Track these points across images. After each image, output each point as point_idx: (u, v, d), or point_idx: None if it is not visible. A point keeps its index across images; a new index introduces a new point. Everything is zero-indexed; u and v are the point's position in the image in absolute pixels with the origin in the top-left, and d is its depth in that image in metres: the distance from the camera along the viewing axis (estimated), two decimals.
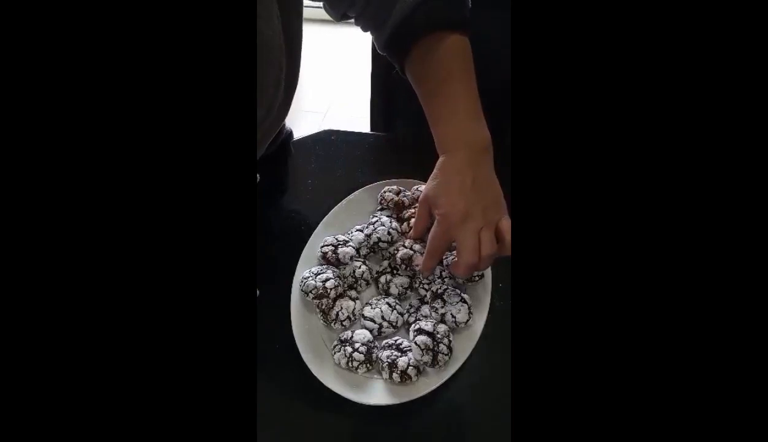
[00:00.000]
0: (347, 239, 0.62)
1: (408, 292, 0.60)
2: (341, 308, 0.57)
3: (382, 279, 0.61)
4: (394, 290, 0.60)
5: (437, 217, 0.55)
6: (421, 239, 0.60)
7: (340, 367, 0.55)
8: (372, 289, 0.62)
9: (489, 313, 0.57)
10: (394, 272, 0.61)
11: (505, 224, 0.53)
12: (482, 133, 0.57)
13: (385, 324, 0.56)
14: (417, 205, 0.65)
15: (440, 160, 0.57)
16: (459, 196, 0.54)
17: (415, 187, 0.67)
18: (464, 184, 0.54)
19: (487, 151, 0.57)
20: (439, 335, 0.53)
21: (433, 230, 0.56)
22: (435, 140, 0.58)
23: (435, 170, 0.57)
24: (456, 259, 0.55)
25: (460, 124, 0.57)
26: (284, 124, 0.80)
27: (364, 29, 0.64)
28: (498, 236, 0.54)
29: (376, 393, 0.53)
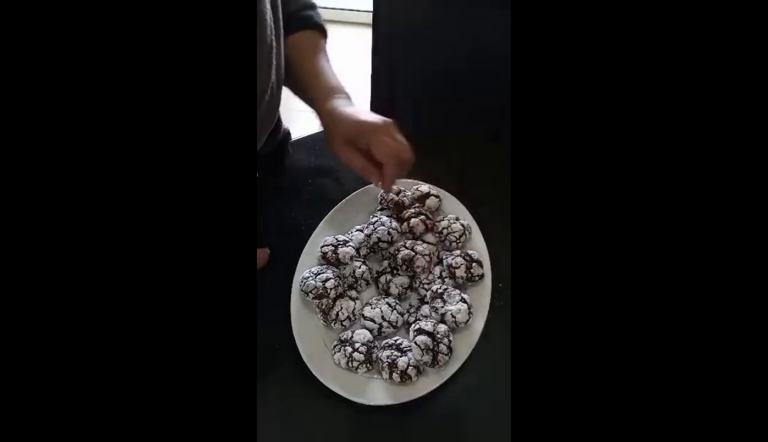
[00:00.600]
0: (347, 239, 0.62)
1: (408, 292, 0.60)
2: (341, 308, 0.57)
3: (382, 279, 0.61)
4: (394, 290, 0.60)
5: (371, 137, 0.59)
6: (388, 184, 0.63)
7: (340, 367, 0.55)
8: (372, 289, 0.62)
9: (489, 313, 0.57)
10: (394, 272, 0.61)
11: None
12: (346, 90, 0.67)
13: (385, 324, 0.56)
14: (417, 205, 0.65)
15: (329, 104, 0.63)
16: (374, 116, 0.60)
17: (415, 187, 0.68)
18: (363, 109, 0.62)
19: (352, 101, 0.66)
20: (439, 335, 0.53)
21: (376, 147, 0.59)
22: (316, 92, 0.67)
23: (330, 114, 0.63)
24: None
25: (331, 80, 0.67)
26: (282, 124, 0.80)
27: None
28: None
29: (376, 393, 0.53)
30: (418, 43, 0.88)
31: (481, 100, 0.87)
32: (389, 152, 0.58)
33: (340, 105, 0.63)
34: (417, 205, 0.65)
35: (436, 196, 0.66)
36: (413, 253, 0.60)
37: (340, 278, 0.59)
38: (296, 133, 0.83)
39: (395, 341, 0.55)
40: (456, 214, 0.64)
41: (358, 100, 0.71)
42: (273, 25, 0.59)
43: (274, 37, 0.59)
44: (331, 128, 0.62)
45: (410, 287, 0.60)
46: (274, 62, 0.59)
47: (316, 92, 0.66)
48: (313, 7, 0.75)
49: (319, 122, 0.66)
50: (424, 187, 0.67)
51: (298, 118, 0.86)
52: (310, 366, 0.54)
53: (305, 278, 0.59)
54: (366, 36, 0.93)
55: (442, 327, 0.54)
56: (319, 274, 0.59)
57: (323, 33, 0.74)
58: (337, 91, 0.66)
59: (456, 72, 0.88)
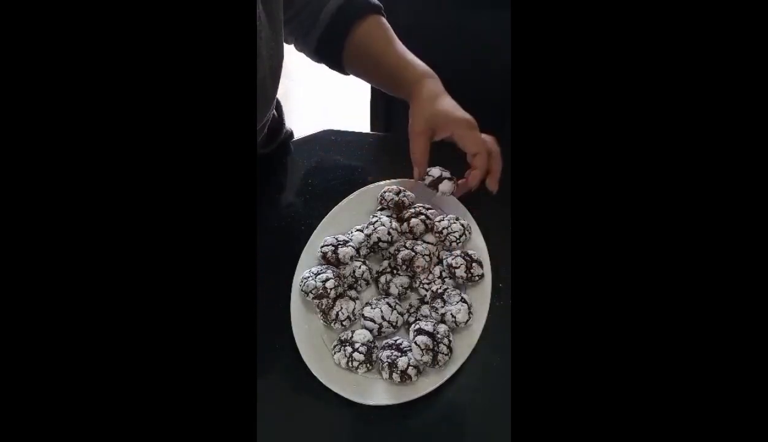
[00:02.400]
0: (347, 239, 0.62)
1: (408, 292, 0.60)
2: (341, 308, 0.57)
3: (382, 279, 0.60)
4: (394, 290, 0.60)
5: (456, 132, 0.59)
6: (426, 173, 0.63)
7: (340, 367, 0.55)
8: (372, 289, 0.62)
9: (489, 313, 0.57)
10: (394, 272, 0.61)
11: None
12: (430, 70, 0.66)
13: (385, 324, 0.56)
14: (417, 205, 0.65)
15: (424, 84, 0.63)
16: (463, 111, 0.61)
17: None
18: (452, 101, 0.62)
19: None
20: (439, 335, 0.53)
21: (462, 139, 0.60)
22: (407, 71, 0.66)
23: (425, 93, 0.62)
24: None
25: (422, 65, 0.66)
26: (284, 124, 0.80)
27: (287, 39, 0.72)
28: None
29: (376, 393, 0.53)
30: (418, 43, 0.88)
31: (481, 100, 0.87)
32: (483, 145, 0.59)
33: (438, 92, 0.63)
34: (417, 205, 0.65)
35: (450, 179, 0.64)
36: (413, 253, 0.60)
37: (340, 278, 0.59)
38: (298, 133, 0.83)
39: (395, 341, 0.55)
40: (456, 214, 0.64)
41: (358, 100, 0.71)
42: (266, 16, 0.58)
43: (266, 27, 0.58)
44: (417, 111, 0.62)
45: (410, 287, 0.60)
46: (264, 53, 0.59)
47: (408, 76, 0.65)
48: None
49: (409, 104, 0.64)
50: (435, 171, 0.64)
51: (300, 118, 0.86)
52: (310, 366, 0.54)
53: (305, 278, 0.59)
54: None
55: (442, 327, 0.54)
56: (319, 274, 0.59)
57: (381, 12, 0.72)
58: (427, 73, 0.65)
59: (456, 72, 0.87)
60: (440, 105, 0.61)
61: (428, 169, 0.63)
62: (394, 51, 0.68)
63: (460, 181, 0.64)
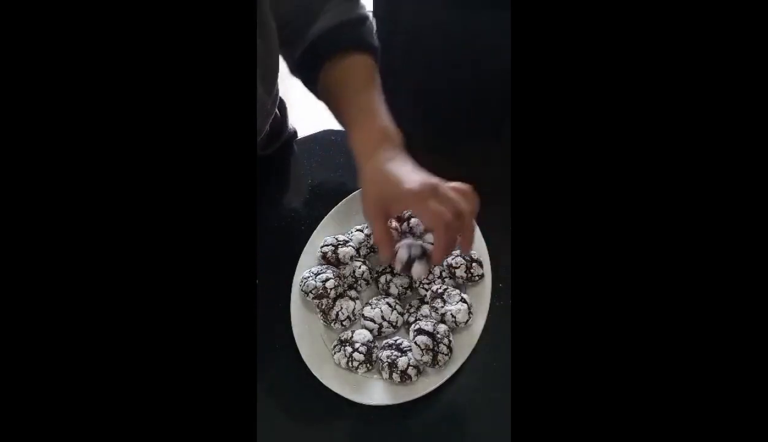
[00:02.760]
0: (347, 239, 0.62)
1: (408, 292, 0.60)
2: (341, 308, 0.57)
3: (382, 279, 0.60)
4: (394, 290, 0.60)
5: (416, 207, 0.52)
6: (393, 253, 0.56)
7: (340, 367, 0.55)
8: (372, 289, 0.62)
9: (489, 313, 0.57)
10: (394, 271, 0.61)
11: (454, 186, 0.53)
12: (397, 132, 0.59)
13: (385, 324, 0.56)
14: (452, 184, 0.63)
15: (371, 159, 0.55)
16: (415, 179, 0.52)
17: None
18: (409, 169, 0.54)
19: (403, 147, 0.58)
20: (439, 335, 0.53)
21: (425, 218, 0.53)
22: (356, 142, 0.58)
23: (369, 171, 0.55)
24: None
25: (382, 125, 0.59)
26: (287, 125, 0.80)
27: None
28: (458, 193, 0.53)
29: (376, 393, 0.53)
30: (418, 43, 0.88)
31: (481, 100, 0.87)
32: (435, 221, 0.50)
33: (385, 162, 0.54)
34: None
35: (422, 258, 0.56)
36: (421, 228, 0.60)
37: (340, 278, 0.59)
38: (302, 132, 0.83)
39: (395, 341, 0.55)
40: None
41: None
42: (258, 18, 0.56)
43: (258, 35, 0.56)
44: (368, 189, 0.55)
45: (410, 287, 0.60)
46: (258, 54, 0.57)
47: (363, 142, 0.57)
48: (365, 20, 0.64)
49: (358, 176, 0.57)
50: (403, 253, 0.56)
51: (300, 118, 0.86)
52: (310, 366, 0.54)
53: (305, 278, 0.59)
54: None
55: (442, 327, 0.54)
56: (319, 274, 0.59)
57: (375, 55, 0.65)
58: (386, 141, 0.57)
59: (456, 72, 0.88)
60: (388, 181, 0.53)
61: (397, 248, 0.56)
62: (363, 101, 0.60)
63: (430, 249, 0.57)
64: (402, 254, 0.55)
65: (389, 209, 0.53)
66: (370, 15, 0.65)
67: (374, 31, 0.66)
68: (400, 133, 0.58)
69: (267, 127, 0.70)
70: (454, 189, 0.53)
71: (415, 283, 0.60)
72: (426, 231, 0.62)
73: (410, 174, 0.53)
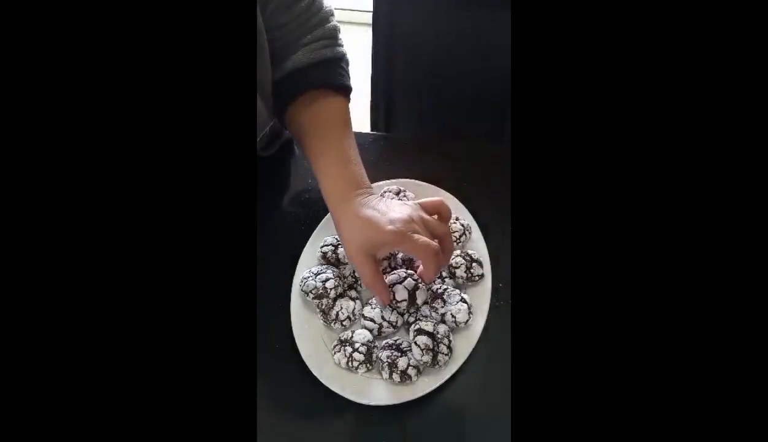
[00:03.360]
0: None
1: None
2: (341, 308, 0.57)
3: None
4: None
5: (402, 244, 0.52)
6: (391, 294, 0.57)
7: (340, 367, 0.55)
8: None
9: (489, 313, 0.57)
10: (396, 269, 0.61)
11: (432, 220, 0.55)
12: (366, 178, 0.59)
13: (385, 324, 0.56)
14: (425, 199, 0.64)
15: (345, 207, 0.56)
16: (393, 218, 0.53)
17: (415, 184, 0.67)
18: (383, 209, 0.54)
19: (373, 192, 0.58)
20: (439, 335, 0.53)
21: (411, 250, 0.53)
22: (327, 188, 0.58)
23: (346, 220, 0.55)
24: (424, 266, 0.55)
25: (353, 170, 0.59)
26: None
27: None
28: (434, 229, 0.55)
29: (376, 393, 0.53)
30: (418, 43, 0.88)
31: (482, 100, 0.87)
32: (421, 253, 0.52)
33: (361, 208, 0.54)
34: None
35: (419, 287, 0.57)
36: None
37: (340, 278, 0.59)
38: None
39: (395, 341, 0.55)
40: (456, 214, 0.64)
41: (358, 100, 0.70)
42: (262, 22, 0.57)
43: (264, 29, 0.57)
44: (350, 237, 0.55)
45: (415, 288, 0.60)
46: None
47: (334, 189, 0.57)
48: (341, 59, 0.64)
49: (335, 225, 0.58)
50: (401, 293, 0.57)
51: None
52: (310, 366, 0.54)
53: (305, 278, 0.59)
54: (366, 36, 0.93)
55: (442, 327, 0.54)
56: (319, 274, 0.59)
57: (348, 95, 0.64)
58: (358, 186, 0.57)
59: (456, 72, 0.88)
60: (369, 227, 0.53)
61: (393, 290, 0.57)
62: (332, 146, 0.60)
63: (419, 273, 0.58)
64: (401, 294, 0.56)
65: (375, 252, 0.54)
66: (346, 55, 0.65)
67: (349, 71, 0.65)
68: (367, 180, 0.59)
69: (266, 129, 0.69)
70: (425, 207, 0.56)
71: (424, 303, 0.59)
72: (395, 253, 0.61)
73: (387, 214, 0.53)
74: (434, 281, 0.59)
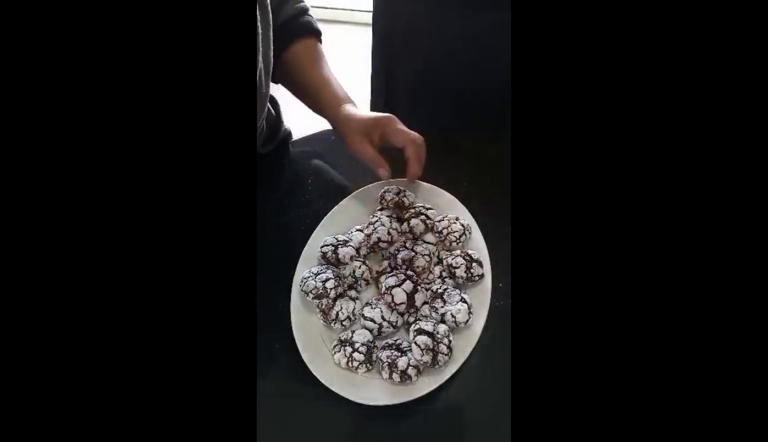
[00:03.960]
0: (347, 239, 0.62)
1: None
2: (341, 308, 0.57)
3: (382, 279, 0.60)
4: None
5: (391, 131, 0.65)
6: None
7: (340, 367, 0.55)
8: (372, 289, 0.62)
9: (489, 313, 0.57)
10: (394, 271, 0.61)
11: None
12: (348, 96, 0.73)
13: (385, 324, 0.56)
14: (417, 205, 0.65)
15: (342, 110, 0.69)
16: (377, 115, 0.67)
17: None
18: (369, 113, 0.68)
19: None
20: (439, 335, 0.53)
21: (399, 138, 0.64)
22: (323, 105, 0.72)
23: (344, 115, 0.68)
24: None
25: (340, 89, 0.73)
26: (282, 124, 0.80)
27: None
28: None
29: (376, 393, 0.53)
30: (418, 42, 0.88)
31: (481, 100, 0.87)
32: (408, 137, 0.64)
33: (351, 109, 0.69)
34: (417, 205, 0.65)
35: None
36: (413, 253, 0.60)
37: (340, 278, 0.59)
38: (297, 133, 0.83)
39: (395, 341, 0.55)
40: (456, 214, 0.64)
41: (358, 100, 0.72)
42: (259, 13, 0.59)
43: (260, 24, 0.59)
44: (348, 128, 0.67)
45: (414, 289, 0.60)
46: (261, 48, 0.60)
47: (327, 101, 0.71)
48: (307, 11, 0.78)
49: (332, 127, 0.71)
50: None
51: (300, 118, 0.86)
52: (310, 366, 0.54)
53: (305, 278, 0.59)
54: (366, 36, 0.93)
55: (442, 327, 0.54)
56: (319, 274, 0.59)
57: (319, 38, 0.79)
58: (345, 99, 0.71)
59: (455, 72, 0.88)
60: (362, 117, 0.67)
61: (392, 292, 0.57)
62: (317, 75, 0.74)
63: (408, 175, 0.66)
64: (400, 297, 0.57)
65: (370, 135, 0.65)
66: (309, 7, 0.78)
67: (314, 19, 0.79)
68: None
69: (264, 123, 0.71)
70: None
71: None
72: (425, 232, 0.64)
73: (374, 114, 0.68)
74: (433, 281, 0.59)
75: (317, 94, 0.73)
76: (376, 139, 0.66)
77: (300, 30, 0.76)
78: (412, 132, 0.65)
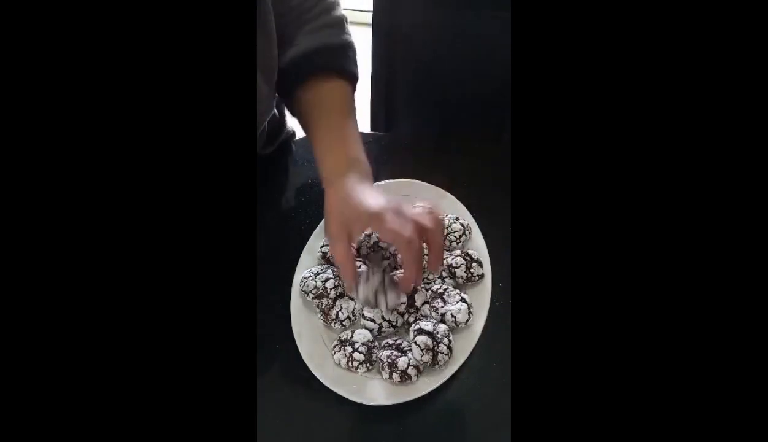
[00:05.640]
0: None
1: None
2: (341, 308, 0.57)
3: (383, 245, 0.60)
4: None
5: (381, 228, 0.51)
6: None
7: (340, 367, 0.55)
8: (377, 277, 0.61)
9: (489, 313, 0.57)
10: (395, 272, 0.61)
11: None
12: (366, 162, 0.59)
13: (385, 324, 0.56)
14: (417, 205, 0.65)
15: (337, 183, 0.56)
16: (377, 200, 0.52)
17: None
18: (374, 194, 0.54)
19: (371, 177, 0.58)
20: (439, 335, 0.53)
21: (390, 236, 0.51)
22: (324, 167, 0.58)
23: (333, 195, 0.55)
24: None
25: (352, 153, 0.59)
26: (286, 125, 0.80)
27: None
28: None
29: (376, 393, 0.53)
30: (418, 43, 0.88)
31: (481, 100, 0.87)
32: (401, 239, 0.49)
33: (350, 188, 0.54)
34: (417, 204, 0.65)
35: (392, 287, 0.56)
36: None
37: (340, 278, 0.59)
38: (298, 133, 0.83)
39: (395, 341, 0.55)
40: (456, 214, 0.64)
41: (358, 100, 0.70)
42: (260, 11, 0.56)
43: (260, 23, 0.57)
44: (331, 211, 0.55)
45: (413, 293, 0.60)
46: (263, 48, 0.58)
47: (330, 169, 0.57)
48: (348, 47, 0.64)
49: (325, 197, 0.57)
50: (365, 290, 0.56)
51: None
52: (310, 366, 0.54)
53: (305, 278, 0.59)
54: (366, 36, 0.93)
55: (442, 327, 0.54)
56: (319, 274, 0.59)
57: (354, 83, 0.64)
58: (354, 169, 0.57)
59: (456, 72, 0.88)
60: (351, 203, 0.53)
61: (357, 279, 0.55)
62: (335, 128, 0.60)
63: (399, 276, 0.56)
64: (363, 291, 0.55)
65: (351, 230, 0.52)
66: (354, 43, 0.65)
67: (356, 59, 0.65)
68: (369, 165, 0.59)
69: (266, 124, 0.70)
70: (418, 210, 0.53)
71: (389, 313, 0.56)
72: (395, 253, 0.59)
73: (373, 197, 0.52)
74: (433, 281, 0.59)
75: (320, 152, 0.59)
76: (353, 234, 0.53)
77: (324, 64, 0.61)
78: (407, 231, 0.49)
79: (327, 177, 0.57)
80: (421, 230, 0.51)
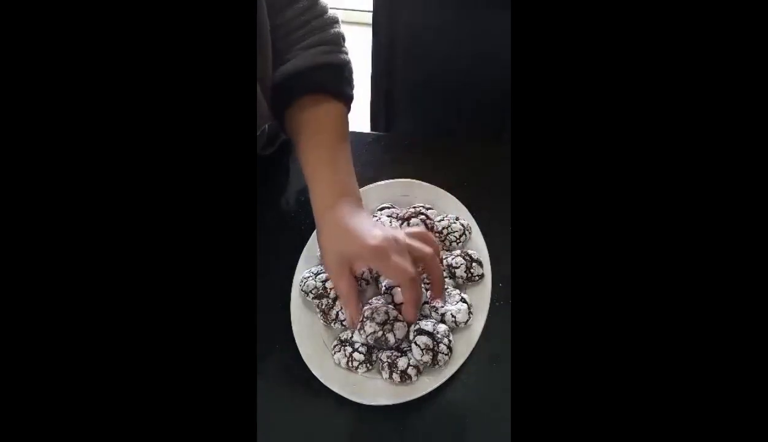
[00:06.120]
0: None
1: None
2: (341, 308, 0.57)
3: (382, 279, 0.60)
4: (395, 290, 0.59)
5: (377, 264, 0.51)
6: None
7: (340, 367, 0.55)
8: (372, 289, 0.62)
9: (489, 313, 0.57)
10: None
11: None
12: (357, 189, 0.59)
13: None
14: (417, 205, 0.65)
15: (328, 215, 0.55)
16: (374, 233, 0.50)
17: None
18: (369, 224, 0.53)
19: (362, 205, 0.58)
20: (439, 335, 0.53)
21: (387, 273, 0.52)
22: (315, 194, 0.57)
23: (328, 226, 0.55)
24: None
25: (342, 179, 0.58)
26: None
27: None
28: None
29: (376, 393, 0.53)
30: (418, 43, 0.88)
31: (481, 100, 0.87)
32: (405, 276, 0.49)
33: (344, 217, 0.53)
34: (417, 204, 0.65)
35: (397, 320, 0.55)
36: None
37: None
38: None
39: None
40: (456, 214, 0.64)
41: (358, 100, 0.70)
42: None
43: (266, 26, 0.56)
44: (328, 245, 0.54)
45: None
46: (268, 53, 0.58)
47: (321, 195, 0.56)
48: (344, 67, 0.62)
49: (316, 229, 0.57)
50: (371, 326, 0.54)
51: None
52: (310, 366, 0.54)
53: (305, 278, 0.59)
54: (366, 36, 0.93)
55: (442, 327, 0.54)
56: (319, 274, 0.59)
57: (348, 104, 0.62)
58: (345, 195, 0.56)
59: (456, 72, 0.88)
60: (348, 237, 0.51)
61: (391, 292, 0.55)
62: (325, 151, 0.58)
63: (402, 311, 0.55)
64: (399, 297, 0.54)
65: (353, 266, 0.52)
66: (350, 63, 0.63)
67: (352, 79, 0.64)
68: (359, 193, 0.58)
69: (265, 126, 0.69)
70: (413, 235, 0.53)
71: (399, 342, 0.54)
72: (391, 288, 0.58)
73: (370, 230, 0.51)
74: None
75: (311, 178, 0.58)
76: (355, 269, 0.53)
77: (326, 84, 0.60)
78: (409, 268, 0.49)
79: (317, 208, 0.56)
80: (417, 259, 0.51)
